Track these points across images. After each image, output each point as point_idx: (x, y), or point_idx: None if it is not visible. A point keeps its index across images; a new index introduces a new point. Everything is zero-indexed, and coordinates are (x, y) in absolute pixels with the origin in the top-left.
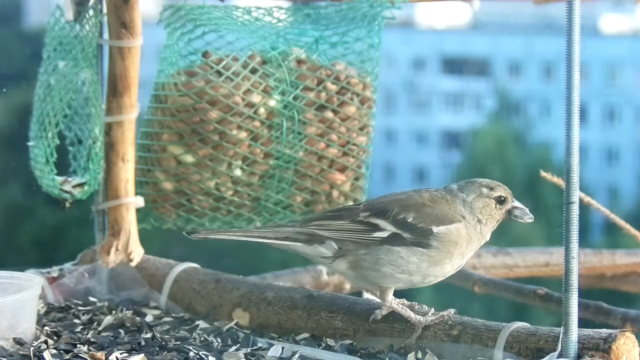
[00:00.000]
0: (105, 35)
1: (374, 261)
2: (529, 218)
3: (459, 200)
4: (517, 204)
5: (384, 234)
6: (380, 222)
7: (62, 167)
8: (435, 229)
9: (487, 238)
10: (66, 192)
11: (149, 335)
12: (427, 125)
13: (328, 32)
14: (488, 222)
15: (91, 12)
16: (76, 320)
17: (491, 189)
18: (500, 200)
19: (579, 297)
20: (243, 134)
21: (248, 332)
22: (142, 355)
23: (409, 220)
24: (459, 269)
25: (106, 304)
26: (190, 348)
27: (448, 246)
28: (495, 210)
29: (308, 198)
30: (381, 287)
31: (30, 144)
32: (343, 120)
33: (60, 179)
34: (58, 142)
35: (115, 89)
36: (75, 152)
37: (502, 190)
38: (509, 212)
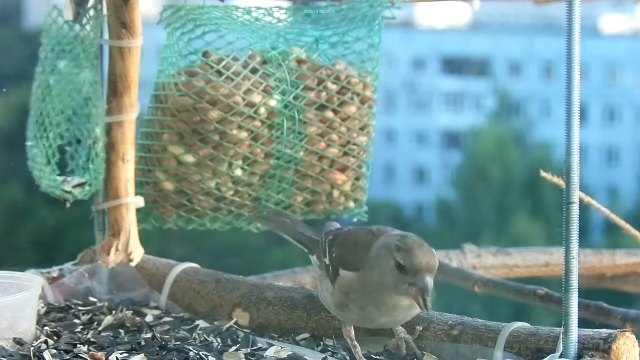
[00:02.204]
0: (105, 35)
1: (318, 284)
2: (423, 305)
3: (375, 245)
4: (423, 282)
5: (327, 261)
6: (327, 249)
7: (62, 167)
8: (341, 271)
9: (394, 298)
10: (68, 192)
11: (149, 335)
12: (427, 125)
13: (328, 32)
14: (384, 280)
15: (92, 12)
16: (76, 320)
17: (399, 249)
18: (400, 266)
19: (579, 297)
20: (243, 134)
21: (248, 332)
22: (142, 355)
23: (333, 255)
24: (372, 324)
25: (106, 304)
26: (190, 348)
27: (343, 292)
28: (390, 273)
29: (309, 198)
30: None
31: (28, 144)
32: (343, 120)
33: (60, 179)
34: (59, 142)
35: (115, 89)
36: (73, 152)
37: (410, 259)
38: (410, 285)
